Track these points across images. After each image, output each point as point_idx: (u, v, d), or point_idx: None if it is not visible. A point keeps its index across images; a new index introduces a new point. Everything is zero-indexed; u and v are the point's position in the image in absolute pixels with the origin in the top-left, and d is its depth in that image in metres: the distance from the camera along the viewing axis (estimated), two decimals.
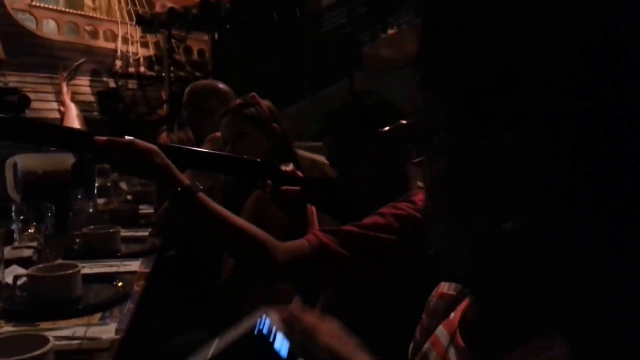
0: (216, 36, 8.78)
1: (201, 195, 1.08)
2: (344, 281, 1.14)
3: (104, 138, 1.06)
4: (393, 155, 1.21)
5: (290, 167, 1.25)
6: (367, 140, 1.20)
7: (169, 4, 9.02)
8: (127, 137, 1.08)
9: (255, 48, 7.53)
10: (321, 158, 3.54)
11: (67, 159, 2.12)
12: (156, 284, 1.76)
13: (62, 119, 7.80)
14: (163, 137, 2.42)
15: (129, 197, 2.88)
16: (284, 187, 1.24)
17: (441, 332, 0.56)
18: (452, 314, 0.56)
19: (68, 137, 1.12)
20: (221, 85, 2.43)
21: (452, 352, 0.51)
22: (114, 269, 1.63)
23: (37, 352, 0.84)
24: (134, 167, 1.08)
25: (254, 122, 1.77)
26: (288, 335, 0.48)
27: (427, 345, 0.58)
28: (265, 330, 0.49)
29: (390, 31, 4.97)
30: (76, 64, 8.18)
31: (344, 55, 6.13)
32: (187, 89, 2.43)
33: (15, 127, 1.11)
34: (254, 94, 1.84)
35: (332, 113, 1.26)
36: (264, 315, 0.50)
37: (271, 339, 0.48)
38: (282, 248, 1.09)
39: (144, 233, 2.12)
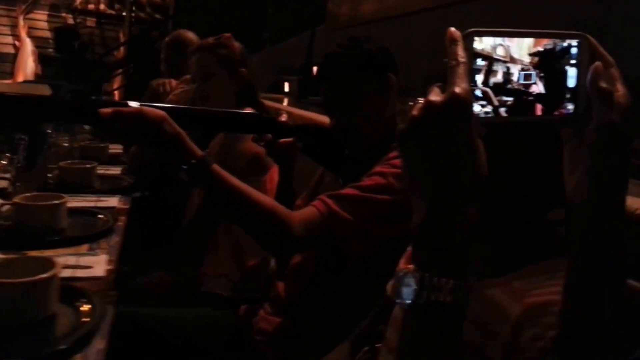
0: None
1: (216, 167, 0.99)
2: (355, 248, 1.06)
3: (110, 110, 0.92)
4: (394, 103, 1.18)
5: (284, 117, 1.21)
6: (370, 86, 1.16)
7: None
8: (132, 104, 0.95)
9: None
10: (285, 107, 3.52)
11: (42, 90, 1.99)
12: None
13: (16, 54, 7.26)
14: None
15: None
16: (281, 140, 1.18)
17: None
18: None
19: (68, 110, 0.98)
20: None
21: None
22: (91, 204, 1.59)
23: (46, 275, 0.82)
24: (142, 139, 0.97)
25: (224, 63, 1.73)
26: None
27: None
28: None
29: None
30: None
31: (307, 10, 5.99)
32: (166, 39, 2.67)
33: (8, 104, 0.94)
34: (230, 34, 1.79)
35: (332, 57, 1.19)
36: None
37: None
38: (297, 220, 1.04)
39: (115, 171, 2.06)
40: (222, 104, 1.71)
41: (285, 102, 4.57)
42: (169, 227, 1.97)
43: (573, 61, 0.50)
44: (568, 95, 0.50)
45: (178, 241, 1.85)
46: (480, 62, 0.48)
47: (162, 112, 0.95)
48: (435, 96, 0.45)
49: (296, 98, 4.68)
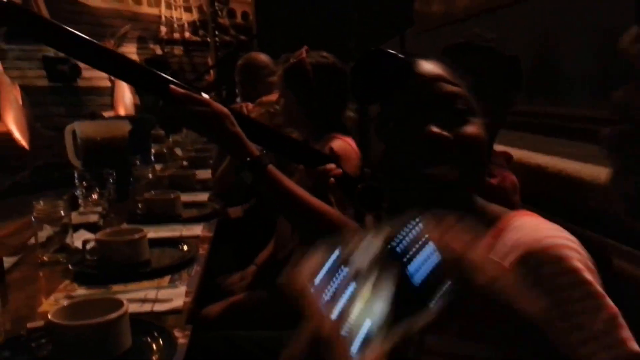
0: None
1: (271, 167, 1.03)
2: None
3: (181, 90, 1.02)
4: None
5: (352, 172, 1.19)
6: (491, 99, 1.08)
7: None
8: (203, 94, 1.05)
9: (299, 8, 7.40)
10: None
11: (123, 126, 2.13)
12: (216, 247, 1.78)
13: (112, 88, 7.97)
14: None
15: (184, 162, 2.92)
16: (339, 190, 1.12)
17: None
18: None
19: (145, 78, 1.06)
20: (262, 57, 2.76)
21: None
22: (177, 233, 1.65)
23: (113, 315, 0.85)
24: (203, 126, 1.05)
25: (289, 83, 1.73)
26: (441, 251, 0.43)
27: None
28: (399, 249, 0.44)
29: None
30: (122, 30, 8.28)
31: (394, 13, 5.94)
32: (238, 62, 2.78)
33: (99, 55, 1.04)
34: (302, 51, 1.77)
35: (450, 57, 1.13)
36: (412, 226, 0.44)
37: (405, 260, 0.43)
38: (351, 226, 1.04)
39: (203, 198, 2.14)
40: (291, 124, 1.72)
41: None
42: (262, 247, 2.02)
43: None
44: None
45: (273, 261, 1.89)
46: None
47: (226, 109, 1.04)
48: None
49: None
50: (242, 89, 2.70)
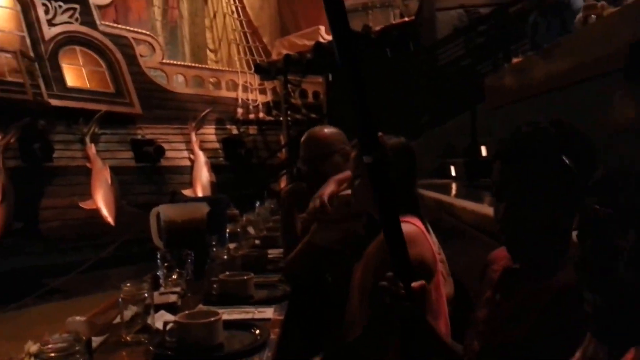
0: (330, 78, 9.11)
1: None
2: None
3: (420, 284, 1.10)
4: (575, 203, 1.06)
5: None
6: (560, 176, 1.09)
7: (285, 51, 9.58)
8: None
9: (370, 86, 7.67)
10: (445, 197, 3.47)
11: (202, 208, 2.29)
12: (287, 330, 1.82)
13: (192, 167, 8.50)
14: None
15: (257, 241, 3.03)
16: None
17: None
18: None
19: None
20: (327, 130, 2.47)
21: None
22: (249, 316, 1.72)
23: None
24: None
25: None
26: None
27: None
28: None
29: (514, 59, 4.80)
30: (203, 114, 8.93)
31: (464, 88, 6.02)
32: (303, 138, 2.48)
33: None
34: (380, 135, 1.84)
35: (528, 135, 1.14)
36: None
37: None
38: None
39: (274, 278, 2.21)
40: (365, 207, 1.76)
41: (454, 188, 4.51)
42: (334, 332, 2.03)
43: None
44: None
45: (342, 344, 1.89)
46: None
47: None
48: None
49: (464, 181, 4.60)
50: (306, 165, 2.42)
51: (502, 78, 5.02)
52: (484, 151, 4.79)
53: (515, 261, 1.17)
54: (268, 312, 1.76)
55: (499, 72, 5.31)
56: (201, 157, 8.56)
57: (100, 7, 8.44)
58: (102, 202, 7.26)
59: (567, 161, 1.07)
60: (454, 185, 4.62)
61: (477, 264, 1.35)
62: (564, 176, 1.08)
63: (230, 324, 1.55)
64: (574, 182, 1.07)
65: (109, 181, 7.41)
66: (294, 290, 2.08)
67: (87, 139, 7.62)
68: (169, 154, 8.34)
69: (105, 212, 7.24)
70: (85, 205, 7.26)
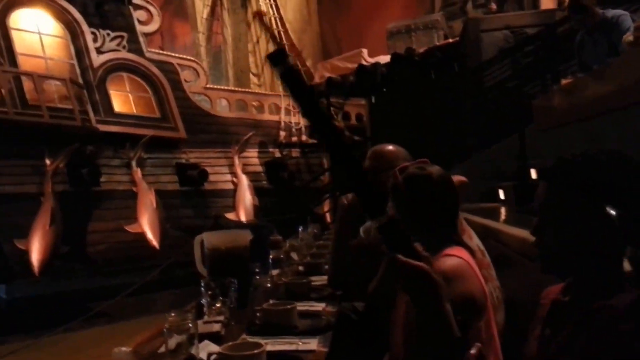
0: (373, 100, 9.14)
1: None
2: None
3: (403, 260, 0.97)
4: (617, 237, 1.06)
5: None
6: (602, 209, 1.07)
7: (327, 74, 9.69)
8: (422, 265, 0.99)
9: (414, 108, 7.65)
10: (492, 223, 3.37)
11: (246, 235, 2.31)
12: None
13: (235, 190, 8.62)
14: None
15: (300, 268, 3.02)
16: None
17: None
18: None
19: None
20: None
21: None
22: (293, 347, 1.70)
23: None
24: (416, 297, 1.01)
25: None
26: None
27: None
28: None
29: (563, 81, 4.68)
30: (245, 137, 9.08)
31: (511, 110, 5.91)
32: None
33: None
34: (426, 160, 1.81)
35: (566, 162, 1.12)
36: None
37: None
38: None
39: (318, 307, 2.19)
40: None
41: (502, 212, 4.41)
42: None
43: None
44: None
45: None
46: None
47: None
48: None
49: (513, 206, 4.49)
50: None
51: (551, 100, 4.90)
52: (533, 174, 4.67)
53: (545, 271, 1.17)
54: (312, 343, 1.74)
55: (548, 93, 5.20)
56: (244, 181, 8.68)
57: (146, 35, 8.75)
58: (147, 225, 7.42)
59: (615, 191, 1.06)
60: (502, 210, 4.50)
61: (523, 293, 1.31)
62: (611, 205, 1.06)
63: (274, 356, 1.54)
64: (621, 214, 1.05)
65: (154, 205, 7.59)
66: (338, 321, 2.05)
67: (134, 164, 7.84)
68: (212, 177, 8.48)
69: (150, 235, 7.39)
70: (131, 228, 7.44)
